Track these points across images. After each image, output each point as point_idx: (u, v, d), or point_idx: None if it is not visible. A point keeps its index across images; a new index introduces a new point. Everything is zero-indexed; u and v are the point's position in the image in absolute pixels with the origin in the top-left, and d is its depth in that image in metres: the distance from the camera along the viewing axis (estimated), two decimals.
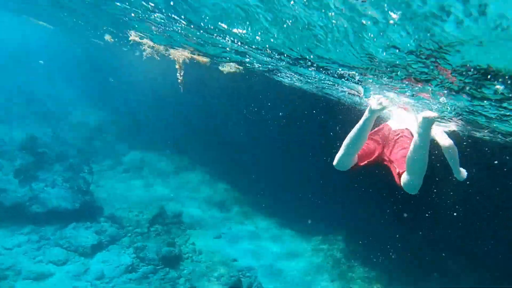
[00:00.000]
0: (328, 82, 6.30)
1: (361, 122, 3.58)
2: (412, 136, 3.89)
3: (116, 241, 11.31)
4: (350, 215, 12.99)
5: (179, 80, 6.52)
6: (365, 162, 3.83)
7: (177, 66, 6.16)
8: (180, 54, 6.05)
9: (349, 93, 6.86)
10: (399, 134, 4.00)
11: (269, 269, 11.24)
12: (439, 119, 3.75)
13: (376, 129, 4.13)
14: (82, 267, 9.82)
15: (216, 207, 14.47)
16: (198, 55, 6.61)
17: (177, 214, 13.10)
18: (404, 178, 3.42)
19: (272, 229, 13.54)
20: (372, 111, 3.55)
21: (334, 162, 3.67)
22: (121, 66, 18.95)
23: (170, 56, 6.02)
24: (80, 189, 12.43)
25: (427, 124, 3.17)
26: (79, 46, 20.83)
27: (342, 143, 3.63)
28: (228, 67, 7.22)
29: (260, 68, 7.47)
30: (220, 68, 7.37)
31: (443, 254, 10.89)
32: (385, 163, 3.91)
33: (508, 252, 9.91)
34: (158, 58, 6.48)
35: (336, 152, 3.67)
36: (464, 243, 10.69)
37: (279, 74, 7.90)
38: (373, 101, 3.66)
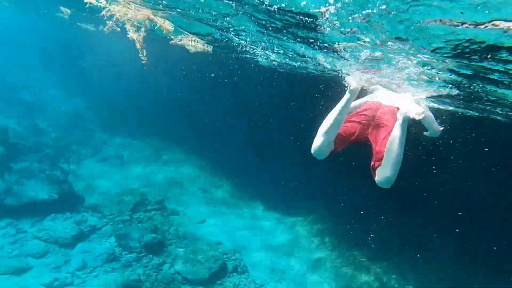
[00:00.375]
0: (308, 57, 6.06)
1: (340, 103, 3.37)
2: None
3: (98, 230, 11.11)
4: (332, 193, 13.06)
5: (143, 61, 6.18)
6: (342, 147, 3.55)
7: (138, 46, 5.81)
8: (138, 14, 5.67)
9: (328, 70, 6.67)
10: (387, 112, 3.70)
11: (254, 252, 11.26)
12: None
13: (363, 107, 3.87)
14: (63, 259, 9.63)
15: (199, 191, 14.33)
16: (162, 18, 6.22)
17: (159, 201, 12.93)
18: (379, 171, 3.20)
19: (257, 211, 13.53)
20: (351, 91, 3.37)
21: (312, 150, 3.41)
22: (93, 48, 18.21)
23: (127, 18, 5.62)
24: (58, 179, 12.08)
25: (408, 119, 3.14)
26: (45, 25, 19.67)
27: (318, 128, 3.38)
28: (193, 47, 6.90)
29: (234, 45, 7.17)
30: (187, 47, 7.05)
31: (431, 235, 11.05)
32: (369, 143, 3.61)
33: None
34: (119, 29, 6.07)
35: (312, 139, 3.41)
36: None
37: (255, 53, 7.64)
38: (352, 80, 3.49)
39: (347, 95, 3.39)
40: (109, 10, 5.26)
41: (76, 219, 11.09)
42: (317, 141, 3.33)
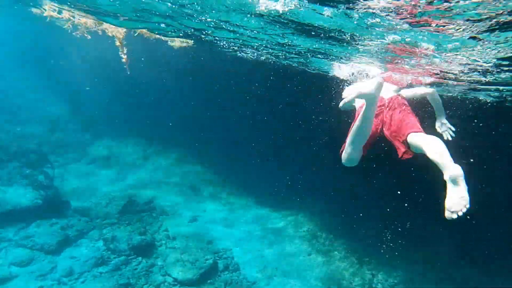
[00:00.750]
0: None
1: (363, 114, 3.11)
2: (406, 102, 3.71)
3: (85, 235, 10.87)
4: (325, 187, 12.99)
5: (124, 60, 5.95)
6: (368, 147, 3.48)
7: (117, 43, 5.59)
8: (115, 29, 5.47)
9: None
10: (393, 103, 3.59)
11: (246, 249, 11.13)
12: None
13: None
14: (49, 266, 9.39)
15: (189, 190, 14.14)
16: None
17: (148, 201, 12.74)
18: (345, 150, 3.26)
19: (247, 207, 13.39)
20: (372, 98, 3.02)
21: (344, 161, 3.38)
22: (73, 49, 17.75)
23: (106, 32, 5.43)
24: (42, 184, 11.78)
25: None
26: (22, 25, 18.98)
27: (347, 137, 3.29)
28: (179, 42, 6.70)
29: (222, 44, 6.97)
30: (170, 43, 6.85)
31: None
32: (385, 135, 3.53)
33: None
34: (89, 36, 5.86)
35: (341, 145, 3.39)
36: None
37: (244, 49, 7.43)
38: (367, 84, 3.06)
39: (366, 104, 3.09)
40: (73, 22, 5.03)
41: (62, 224, 10.82)
42: (347, 151, 3.31)
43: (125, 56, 5.74)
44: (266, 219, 12.70)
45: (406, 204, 10.68)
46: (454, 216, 2.54)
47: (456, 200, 2.54)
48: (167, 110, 16.43)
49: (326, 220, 12.22)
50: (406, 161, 3.29)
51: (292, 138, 13.33)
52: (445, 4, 2.54)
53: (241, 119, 14.14)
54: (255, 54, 7.63)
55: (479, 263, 10.30)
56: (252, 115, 13.89)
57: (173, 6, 4.57)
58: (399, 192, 9.99)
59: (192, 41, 6.85)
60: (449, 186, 2.61)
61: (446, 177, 2.63)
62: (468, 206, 2.52)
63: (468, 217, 2.64)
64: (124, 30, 5.59)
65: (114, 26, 5.78)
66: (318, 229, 12.08)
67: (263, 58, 8.02)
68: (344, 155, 3.35)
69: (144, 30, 6.05)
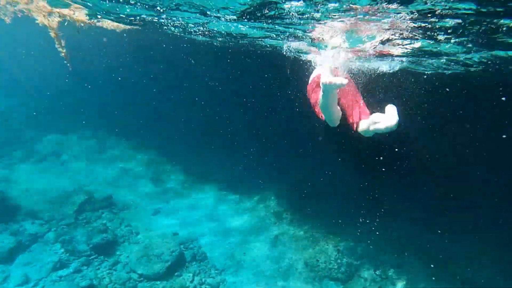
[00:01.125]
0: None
1: (321, 98, 3.63)
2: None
3: (39, 238, 10.24)
4: (288, 167, 13.08)
5: (63, 54, 5.40)
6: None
7: (52, 35, 5.04)
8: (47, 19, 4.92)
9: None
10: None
11: (212, 237, 11.03)
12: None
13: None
14: (1, 275, 8.76)
15: (150, 182, 13.69)
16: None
17: (107, 197, 12.18)
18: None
19: (211, 196, 13.21)
20: (328, 86, 3.48)
21: (329, 123, 3.93)
22: (11, 41, 16.29)
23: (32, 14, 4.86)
24: None
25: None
26: None
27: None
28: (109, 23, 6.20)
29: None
30: (100, 23, 6.32)
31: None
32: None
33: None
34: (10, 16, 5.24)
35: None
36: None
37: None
38: (324, 74, 3.65)
39: (321, 92, 3.59)
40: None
41: (13, 230, 10.11)
42: (326, 116, 3.86)
43: (64, 51, 5.19)
44: (230, 205, 12.62)
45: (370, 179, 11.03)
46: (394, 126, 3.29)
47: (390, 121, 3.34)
48: (118, 100, 15.60)
49: (291, 200, 12.34)
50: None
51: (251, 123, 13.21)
52: None
53: (198, 105, 13.75)
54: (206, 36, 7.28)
55: (441, 229, 10.90)
56: (210, 101, 13.55)
57: None
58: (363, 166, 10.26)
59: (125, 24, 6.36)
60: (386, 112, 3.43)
61: (387, 108, 3.43)
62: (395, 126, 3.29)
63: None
64: (57, 19, 5.05)
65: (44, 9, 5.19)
66: (284, 209, 12.19)
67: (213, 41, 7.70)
68: (324, 118, 3.90)
69: (80, 17, 5.52)
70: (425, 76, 7.50)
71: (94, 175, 13.74)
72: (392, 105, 3.44)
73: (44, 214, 11.06)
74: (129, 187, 13.27)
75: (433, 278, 9.38)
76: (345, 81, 3.36)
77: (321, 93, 3.60)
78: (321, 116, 4.00)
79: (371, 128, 3.54)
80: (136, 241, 10.45)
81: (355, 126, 3.79)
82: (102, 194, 12.24)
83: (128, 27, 7.67)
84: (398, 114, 3.39)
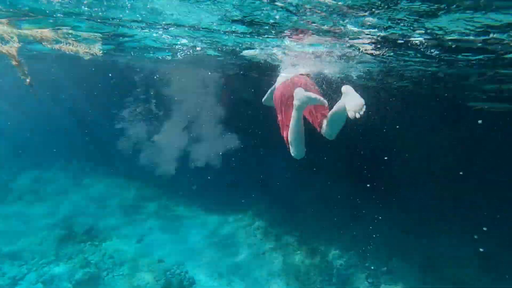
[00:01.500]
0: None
1: (292, 122, 3.40)
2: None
3: (20, 281, 9.90)
4: (268, 184, 13.14)
5: (27, 83, 5.18)
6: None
7: (14, 63, 4.87)
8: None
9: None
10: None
11: (199, 259, 10.91)
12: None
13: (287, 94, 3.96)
14: None
15: (131, 209, 13.49)
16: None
17: (88, 230, 11.94)
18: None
19: (195, 217, 13.11)
20: (299, 107, 3.33)
21: (293, 155, 3.66)
22: None
23: None
24: None
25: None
26: None
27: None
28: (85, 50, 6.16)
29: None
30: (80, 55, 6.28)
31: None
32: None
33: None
34: None
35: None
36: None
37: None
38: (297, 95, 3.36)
39: (294, 115, 3.39)
40: None
41: None
42: (292, 149, 3.60)
43: (29, 78, 4.95)
44: (215, 225, 12.55)
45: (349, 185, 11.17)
46: (358, 115, 2.88)
47: (355, 102, 2.93)
48: (90, 130, 15.45)
49: (274, 216, 12.38)
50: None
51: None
52: None
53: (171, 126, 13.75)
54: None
55: (414, 230, 11.12)
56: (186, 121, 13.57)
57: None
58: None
59: (100, 50, 6.34)
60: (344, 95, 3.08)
61: (342, 89, 3.09)
62: (365, 106, 2.89)
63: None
64: (17, 45, 4.96)
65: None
66: (268, 225, 12.20)
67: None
68: (291, 152, 3.63)
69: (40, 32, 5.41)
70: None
71: (73, 208, 13.45)
72: (347, 85, 3.14)
73: (23, 254, 10.73)
74: (110, 217, 13.03)
75: (424, 281, 9.52)
76: (325, 101, 3.27)
77: (294, 112, 3.37)
78: (288, 147, 3.67)
79: (333, 125, 3.33)
80: (121, 273, 10.23)
81: (319, 129, 3.61)
82: (83, 227, 12.00)
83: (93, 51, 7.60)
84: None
